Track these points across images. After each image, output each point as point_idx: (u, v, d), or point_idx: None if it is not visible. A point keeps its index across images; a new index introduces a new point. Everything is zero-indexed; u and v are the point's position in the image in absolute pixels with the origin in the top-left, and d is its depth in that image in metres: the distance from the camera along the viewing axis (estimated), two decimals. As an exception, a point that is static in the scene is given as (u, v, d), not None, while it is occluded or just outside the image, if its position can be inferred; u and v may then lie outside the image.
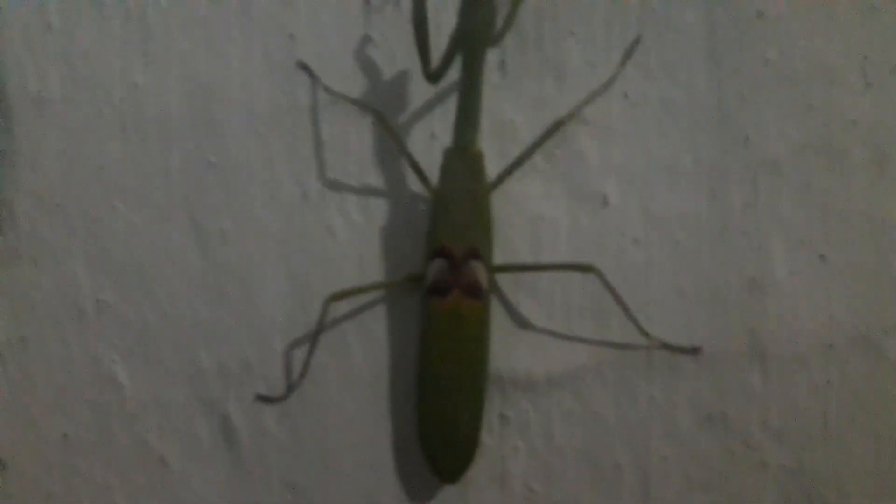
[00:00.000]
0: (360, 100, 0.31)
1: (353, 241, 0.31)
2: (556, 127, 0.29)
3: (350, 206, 0.31)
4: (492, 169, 0.30)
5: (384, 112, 0.30)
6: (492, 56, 0.30)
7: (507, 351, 0.30)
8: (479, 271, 0.28)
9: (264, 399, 0.31)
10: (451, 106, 0.30)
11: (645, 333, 0.30)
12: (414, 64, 0.29)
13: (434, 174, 0.29)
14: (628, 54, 0.30)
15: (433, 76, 0.28)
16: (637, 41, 0.30)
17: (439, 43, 0.29)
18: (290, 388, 0.31)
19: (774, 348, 0.30)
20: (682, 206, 0.30)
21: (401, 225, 0.31)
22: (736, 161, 0.30)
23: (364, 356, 0.31)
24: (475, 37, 0.27)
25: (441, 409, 0.29)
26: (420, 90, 0.31)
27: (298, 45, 0.31)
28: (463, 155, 0.28)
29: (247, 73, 0.31)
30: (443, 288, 0.28)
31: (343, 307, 0.31)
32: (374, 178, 0.31)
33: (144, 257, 0.31)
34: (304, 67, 0.31)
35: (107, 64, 0.32)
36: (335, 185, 0.31)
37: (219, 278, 0.31)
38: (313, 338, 0.30)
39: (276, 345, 0.31)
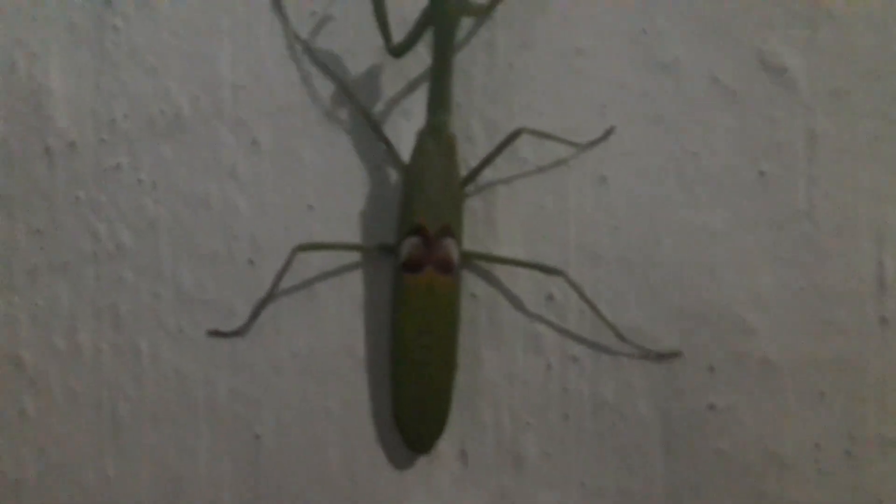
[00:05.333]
0: (339, 80, 0.31)
1: (322, 193, 0.32)
2: (514, 135, 0.30)
3: (323, 159, 0.32)
4: None
5: (356, 91, 0.31)
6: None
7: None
8: (452, 248, 0.29)
9: (216, 333, 0.32)
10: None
11: (621, 338, 0.30)
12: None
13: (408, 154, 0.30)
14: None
15: (397, 50, 0.29)
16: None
17: (407, 19, 0.30)
18: (243, 328, 0.32)
19: None
20: None
21: (372, 185, 0.32)
22: None
23: (333, 305, 0.32)
24: (446, 9, 0.27)
25: (414, 383, 0.30)
26: (394, 71, 0.31)
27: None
28: (436, 136, 0.29)
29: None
30: (417, 264, 0.29)
31: (311, 258, 0.31)
32: (348, 138, 0.32)
33: None
34: (276, 5, 0.32)
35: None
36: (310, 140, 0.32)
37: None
38: (274, 283, 0.31)
39: (239, 285, 0.32)
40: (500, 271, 0.31)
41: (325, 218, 0.32)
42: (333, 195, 0.32)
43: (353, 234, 0.32)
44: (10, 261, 0.34)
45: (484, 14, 0.30)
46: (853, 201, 0.30)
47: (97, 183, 0.33)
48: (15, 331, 0.33)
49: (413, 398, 0.30)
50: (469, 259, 0.31)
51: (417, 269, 0.29)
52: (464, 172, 0.31)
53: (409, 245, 0.29)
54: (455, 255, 0.29)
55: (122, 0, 0.33)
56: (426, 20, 0.28)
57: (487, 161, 0.30)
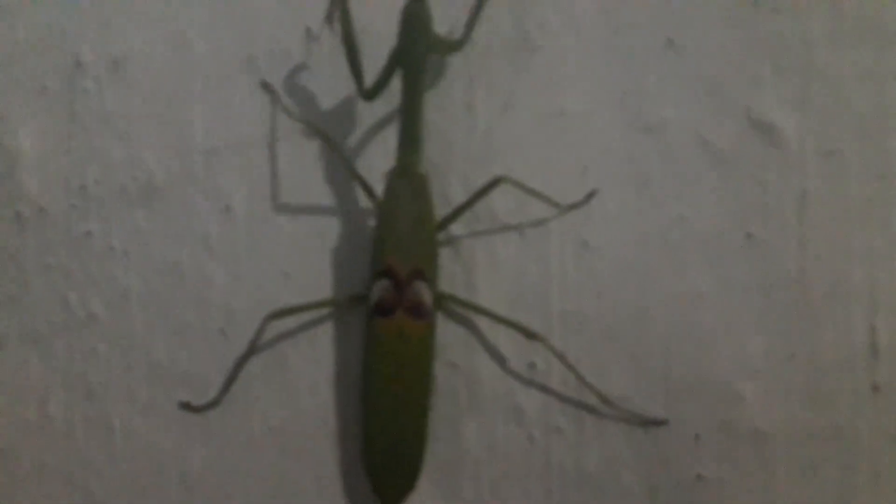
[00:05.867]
0: (311, 122, 0.31)
1: (297, 258, 0.31)
2: (494, 183, 0.29)
3: (297, 223, 0.31)
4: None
5: (331, 134, 0.31)
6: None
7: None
8: (424, 292, 0.28)
9: (187, 407, 0.31)
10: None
11: (605, 401, 0.29)
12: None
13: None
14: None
15: (369, 94, 0.29)
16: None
17: (377, 62, 0.29)
18: (214, 401, 0.31)
19: None
20: None
21: (346, 244, 0.31)
22: None
23: (305, 373, 0.31)
24: (414, 52, 0.27)
25: (385, 431, 0.29)
26: (369, 110, 0.31)
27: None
28: (407, 175, 0.29)
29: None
30: (387, 308, 0.28)
31: (284, 324, 0.31)
32: (322, 196, 0.31)
33: None
34: (266, 87, 0.31)
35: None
36: (283, 204, 0.31)
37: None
38: (246, 353, 0.30)
39: (212, 356, 0.31)
40: (481, 339, 0.30)
41: (300, 285, 0.31)
42: (309, 262, 0.31)
43: (327, 295, 0.31)
44: (-20, 329, 0.33)
45: (451, 52, 0.29)
46: (845, 265, 0.29)
47: (68, 250, 0.32)
48: (-15, 400, 0.33)
49: (384, 447, 0.29)
50: (444, 304, 0.30)
51: (388, 313, 0.28)
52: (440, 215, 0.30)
53: (380, 288, 0.29)
54: (427, 299, 0.29)
55: (93, 63, 0.32)
56: (395, 61, 0.28)
57: (464, 208, 0.29)
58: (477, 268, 0.31)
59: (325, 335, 0.31)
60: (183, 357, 0.32)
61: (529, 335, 0.29)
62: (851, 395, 0.29)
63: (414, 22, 0.27)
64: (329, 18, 0.29)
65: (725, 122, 0.30)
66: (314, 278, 0.31)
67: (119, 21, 0.32)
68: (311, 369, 0.31)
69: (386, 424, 0.29)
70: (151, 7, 0.32)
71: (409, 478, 0.29)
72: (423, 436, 0.29)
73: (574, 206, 0.30)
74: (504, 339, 0.30)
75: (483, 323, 0.30)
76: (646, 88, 0.30)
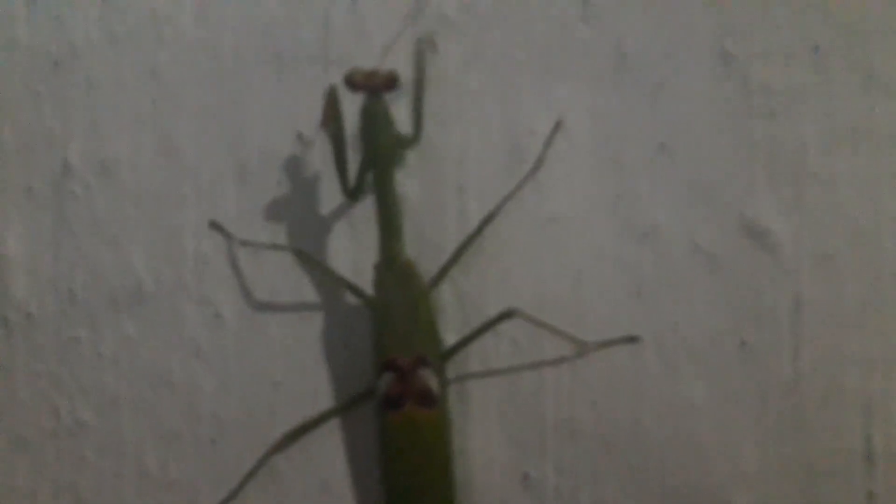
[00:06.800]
0: (277, 243, 0.31)
1: (287, 365, 0.31)
2: (488, 220, 0.29)
3: (287, 330, 0.31)
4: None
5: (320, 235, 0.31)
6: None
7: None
8: (430, 378, 0.28)
9: None
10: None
11: (581, 343, 0.29)
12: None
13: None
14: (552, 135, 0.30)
15: (353, 195, 0.29)
16: (558, 125, 0.30)
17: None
18: None
19: None
20: None
21: (337, 349, 0.31)
22: None
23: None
24: (379, 151, 0.28)
25: None
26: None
27: None
28: (392, 266, 0.29)
29: None
30: (396, 400, 0.28)
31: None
32: (312, 302, 0.31)
33: None
34: (216, 227, 0.31)
35: None
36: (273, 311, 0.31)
37: None
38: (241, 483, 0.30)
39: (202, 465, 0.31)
40: (472, 447, 0.30)
41: (291, 395, 0.31)
42: (299, 368, 0.31)
43: (317, 402, 0.31)
44: (-32, 434, 0.33)
45: (411, 147, 0.29)
46: (840, 371, 0.29)
47: (57, 356, 0.32)
48: (-28, 507, 0.32)
49: None
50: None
51: (397, 405, 0.28)
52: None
53: (385, 382, 0.28)
54: (434, 384, 0.28)
55: (81, 165, 0.32)
56: (365, 160, 0.29)
57: (471, 338, 0.29)
58: (470, 375, 0.30)
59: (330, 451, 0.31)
60: (173, 466, 0.31)
61: (507, 316, 0.29)
62: (847, 503, 0.29)
63: (373, 119, 0.29)
64: (325, 122, 0.29)
65: (719, 227, 0.30)
66: (305, 385, 0.31)
67: (107, 124, 0.32)
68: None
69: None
70: (140, 111, 0.32)
71: None
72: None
73: (597, 347, 0.30)
74: (499, 450, 0.30)
75: (477, 434, 0.30)
76: (638, 193, 0.30)
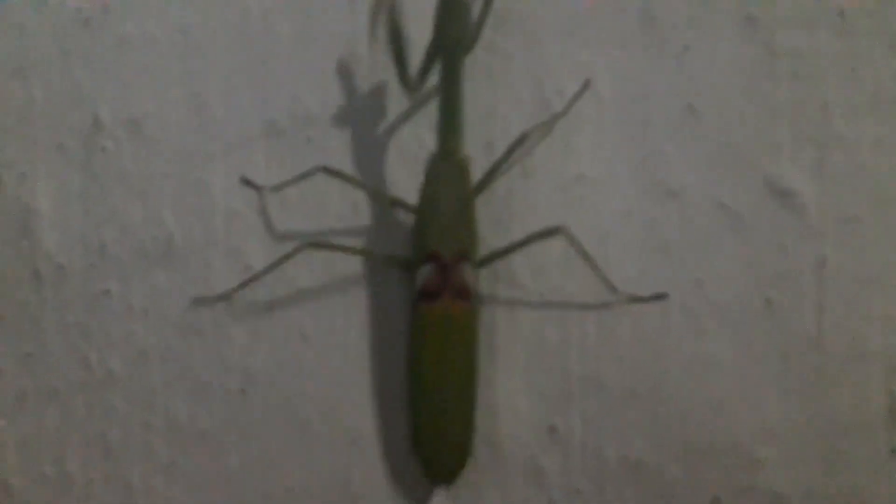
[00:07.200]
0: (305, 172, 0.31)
1: (315, 318, 0.31)
2: (522, 139, 0.29)
3: (316, 280, 0.31)
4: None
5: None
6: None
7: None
8: (469, 273, 0.29)
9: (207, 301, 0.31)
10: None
11: (613, 289, 0.30)
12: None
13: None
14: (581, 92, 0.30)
15: (412, 86, 0.29)
16: (587, 84, 0.30)
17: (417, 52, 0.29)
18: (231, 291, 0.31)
19: None
20: None
21: (365, 302, 0.31)
22: None
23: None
24: (452, 41, 0.28)
25: (434, 413, 0.29)
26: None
27: None
28: (448, 161, 0.29)
29: None
30: (433, 292, 0.28)
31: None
32: (345, 279, 0.31)
33: None
34: (247, 182, 0.31)
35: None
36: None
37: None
38: (273, 265, 0.30)
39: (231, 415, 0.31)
40: (501, 401, 0.30)
41: (320, 347, 0.31)
42: (329, 323, 0.31)
43: (347, 359, 0.31)
44: (-2, 385, 0.33)
45: (472, 47, 0.29)
46: (863, 330, 0.29)
47: (87, 308, 0.32)
48: (3, 456, 0.33)
49: (434, 429, 0.29)
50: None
51: (434, 297, 0.28)
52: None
53: (424, 273, 0.29)
54: (472, 280, 0.29)
55: (111, 122, 0.32)
56: (434, 49, 0.28)
57: (514, 249, 0.29)
58: (497, 329, 0.31)
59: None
60: (202, 416, 0.32)
61: (552, 233, 0.29)
62: (870, 458, 0.29)
63: (451, 6, 0.28)
64: (377, 13, 0.29)
65: (744, 187, 0.30)
66: (334, 338, 0.31)
67: (137, 81, 0.32)
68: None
69: (435, 406, 0.29)
70: (170, 68, 0.32)
71: (460, 457, 0.29)
72: (471, 415, 0.29)
73: (635, 300, 0.30)
74: (525, 403, 0.30)
75: (503, 387, 0.30)
76: (665, 154, 0.30)
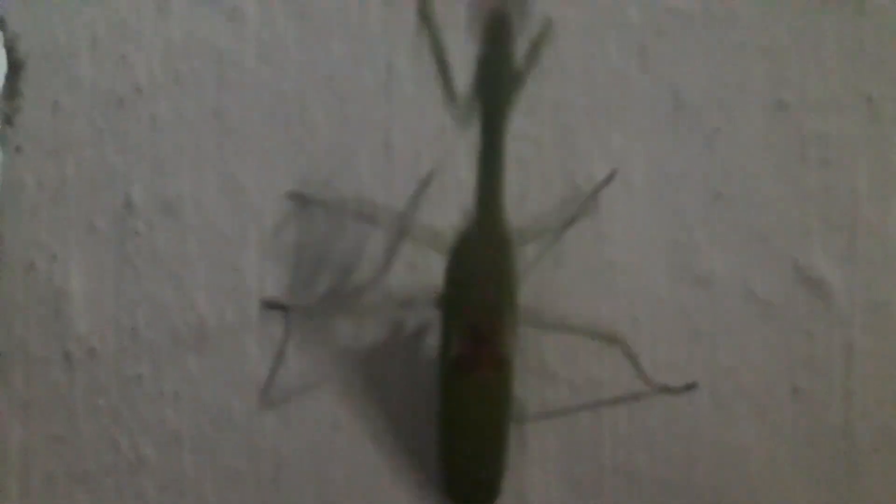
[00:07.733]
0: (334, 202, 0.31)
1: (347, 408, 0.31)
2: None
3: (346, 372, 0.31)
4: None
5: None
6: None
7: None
8: (506, 345, 0.27)
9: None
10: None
11: (650, 383, 0.30)
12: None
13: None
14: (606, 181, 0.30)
15: (462, 116, 0.24)
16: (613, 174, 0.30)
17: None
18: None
19: None
20: None
21: (395, 385, 0.31)
22: None
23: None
24: (496, 87, 0.24)
25: (466, 464, 0.28)
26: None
27: None
28: (485, 233, 0.26)
29: None
30: (469, 364, 0.27)
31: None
32: (376, 365, 0.31)
33: None
34: (296, 198, 0.31)
35: None
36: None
37: None
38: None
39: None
40: (531, 490, 0.31)
41: (351, 435, 0.31)
42: (363, 411, 0.31)
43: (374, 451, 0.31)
44: (28, 467, 0.33)
45: (522, 86, 0.25)
46: (891, 418, 0.29)
47: (118, 392, 0.32)
48: (31, 538, 0.33)
49: (466, 476, 0.29)
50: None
51: (470, 369, 0.27)
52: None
53: (461, 343, 0.27)
54: (510, 351, 0.28)
55: (144, 203, 0.32)
56: (480, 87, 0.24)
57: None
58: (528, 417, 0.31)
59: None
60: (234, 503, 0.32)
61: (609, 340, 0.29)
62: (897, 548, 0.29)
63: (498, 32, 0.23)
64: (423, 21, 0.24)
65: (773, 274, 0.30)
66: (365, 426, 0.31)
67: (171, 163, 0.32)
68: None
69: (467, 461, 0.28)
70: (204, 150, 0.32)
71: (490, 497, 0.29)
72: (503, 464, 0.29)
73: (667, 390, 0.30)
74: (556, 493, 0.31)
75: (536, 475, 0.31)
76: (694, 240, 0.30)
